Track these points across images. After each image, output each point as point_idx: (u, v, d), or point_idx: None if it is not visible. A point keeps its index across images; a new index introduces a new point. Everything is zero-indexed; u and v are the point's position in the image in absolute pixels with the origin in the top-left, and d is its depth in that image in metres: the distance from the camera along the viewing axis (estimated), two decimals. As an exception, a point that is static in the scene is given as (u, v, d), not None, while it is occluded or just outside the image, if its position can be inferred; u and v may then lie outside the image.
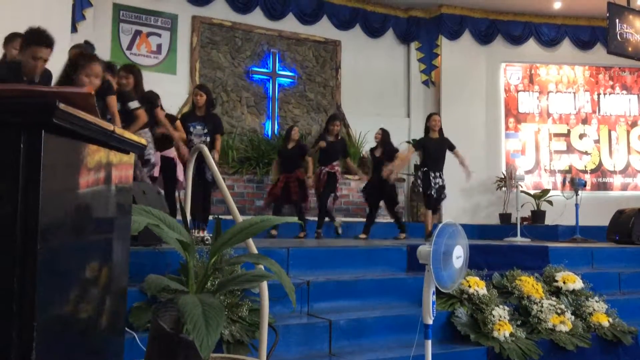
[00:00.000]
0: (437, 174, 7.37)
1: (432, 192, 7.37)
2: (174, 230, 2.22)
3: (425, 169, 7.39)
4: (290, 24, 9.79)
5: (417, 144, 7.76)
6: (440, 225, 3.71)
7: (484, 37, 10.58)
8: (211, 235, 4.92)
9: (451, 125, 10.05)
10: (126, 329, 3.08)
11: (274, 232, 7.27)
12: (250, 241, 3.21)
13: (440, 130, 7.54)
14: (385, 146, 7.70)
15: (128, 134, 1.39)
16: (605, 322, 4.73)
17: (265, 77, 9.67)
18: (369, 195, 7.83)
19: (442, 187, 7.41)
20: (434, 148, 7.43)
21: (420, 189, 7.44)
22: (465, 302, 4.58)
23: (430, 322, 3.59)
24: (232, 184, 8.23)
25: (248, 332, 3.60)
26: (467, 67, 10.46)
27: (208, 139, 6.18)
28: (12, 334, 1.04)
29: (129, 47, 8.70)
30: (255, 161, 8.76)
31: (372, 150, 7.97)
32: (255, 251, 3.20)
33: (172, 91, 8.72)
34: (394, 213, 7.82)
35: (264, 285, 3.10)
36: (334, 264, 4.99)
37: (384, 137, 7.76)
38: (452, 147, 7.51)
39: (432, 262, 3.51)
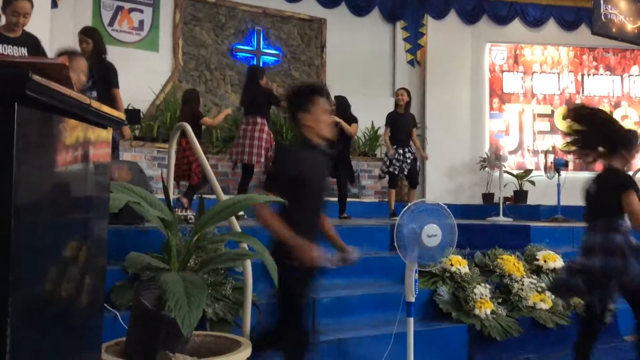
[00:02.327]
0: (406, 149, 7.37)
1: (405, 171, 7.37)
2: (156, 208, 2.20)
3: (394, 146, 7.37)
4: (274, 1, 9.67)
5: (386, 120, 7.68)
6: (409, 205, 3.74)
7: (470, 16, 10.54)
8: (194, 214, 4.91)
9: (436, 105, 10.09)
10: (108, 307, 3.07)
11: None
12: (234, 219, 3.20)
13: (407, 106, 7.52)
14: (345, 113, 7.20)
15: (106, 108, 1.36)
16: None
17: (249, 55, 9.57)
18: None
19: (414, 161, 7.43)
20: (400, 123, 7.41)
21: (391, 169, 7.36)
22: (448, 281, 4.63)
23: (413, 300, 3.63)
24: (216, 163, 8.17)
25: (232, 310, 3.61)
26: (453, 47, 10.43)
27: (95, 93, 5.00)
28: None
29: (111, 23, 8.55)
30: (239, 140, 8.69)
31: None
32: (239, 230, 3.19)
33: (155, 69, 8.62)
34: (345, 189, 7.26)
35: (248, 263, 3.10)
36: (318, 242, 5.00)
37: (341, 106, 7.23)
38: (414, 125, 7.48)
39: (397, 241, 3.55)
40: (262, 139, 6.45)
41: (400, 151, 7.31)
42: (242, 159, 6.50)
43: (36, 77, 1.01)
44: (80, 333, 1.42)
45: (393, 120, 7.53)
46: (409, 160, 7.33)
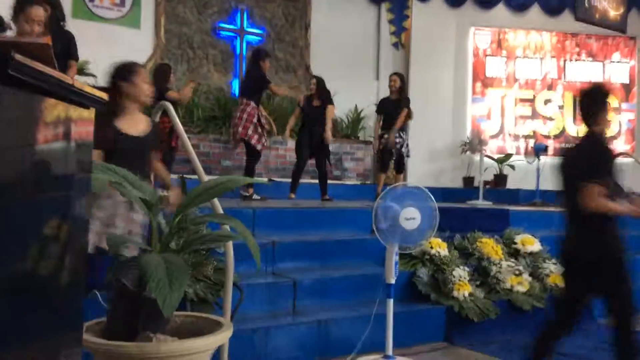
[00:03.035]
0: (399, 134, 7.38)
1: (394, 155, 7.40)
2: (138, 189, 2.19)
3: (383, 132, 7.40)
4: (259, -20, 9.58)
5: (377, 107, 7.69)
6: (387, 189, 3.78)
7: (455, 0, 10.54)
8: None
9: (419, 88, 10.08)
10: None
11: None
12: (216, 201, 3.19)
13: (400, 91, 7.49)
14: (322, 94, 7.17)
15: (88, 88, 1.35)
16: (561, 283, 4.88)
17: (232, 35, 9.48)
18: (301, 148, 7.12)
19: (403, 145, 7.44)
20: (392, 108, 7.39)
21: (383, 154, 7.40)
22: (427, 263, 4.68)
23: (393, 282, 3.68)
24: (198, 143, 8.12)
25: (213, 291, 3.63)
26: (437, 30, 10.43)
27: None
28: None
29: (91, -1, 8.40)
30: (221, 121, 8.65)
31: (308, 99, 7.24)
32: (221, 211, 3.19)
33: (136, 47, 8.48)
34: (324, 170, 7.20)
35: (229, 244, 3.10)
36: (300, 224, 5.03)
37: (320, 85, 7.19)
38: (405, 106, 7.41)
39: (375, 223, 3.60)
40: (242, 118, 6.59)
41: (386, 136, 7.32)
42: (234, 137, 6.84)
43: (18, 57, 0.99)
44: (61, 313, 1.42)
45: (382, 106, 7.53)
46: (398, 145, 7.34)
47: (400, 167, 7.67)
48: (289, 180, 7.24)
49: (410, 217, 3.59)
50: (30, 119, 1.16)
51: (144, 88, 3.40)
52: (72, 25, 7.85)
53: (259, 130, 6.65)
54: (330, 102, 7.21)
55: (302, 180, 7.30)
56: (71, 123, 1.34)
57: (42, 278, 1.27)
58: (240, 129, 6.59)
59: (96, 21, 8.31)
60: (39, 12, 3.79)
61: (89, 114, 1.43)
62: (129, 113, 3.37)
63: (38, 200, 1.25)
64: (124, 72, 3.34)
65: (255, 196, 6.65)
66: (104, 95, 1.42)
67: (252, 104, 6.64)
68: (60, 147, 1.32)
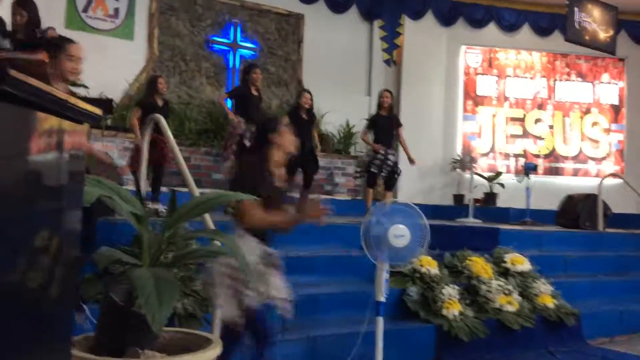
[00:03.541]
0: (388, 151, 7.38)
1: (384, 172, 7.39)
2: (128, 203, 2.17)
3: (386, 149, 7.40)
4: (252, -6, 9.62)
5: (369, 123, 7.68)
6: (376, 206, 3.77)
7: (446, 19, 10.64)
8: (165, 207, 4.86)
9: (410, 105, 10.15)
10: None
11: None
12: (207, 215, 3.18)
13: (391, 108, 7.51)
14: (311, 110, 7.23)
15: (82, 104, 1.34)
16: (550, 303, 4.89)
17: (225, 48, 9.50)
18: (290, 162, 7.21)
19: (395, 164, 7.43)
20: (382, 125, 7.39)
21: (372, 169, 7.38)
22: (417, 281, 4.67)
23: (383, 299, 3.65)
24: (189, 156, 8.09)
25: (201, 306, 3.59)
26: (429, 48, 10.51)
27: None
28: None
29: (85, 10, 8.39)
30: (213, 133, 8.63)
31: (295, 113, 7.13)
32: (212, 226, 3.18)
33: (129, 58, 8.50)
34: (310, 184, 7.16)
35: (219, 259, 3.08)
36: (290, 240, 4.98)
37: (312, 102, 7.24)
38: (399, 124, 7.47)
39: (363, 241, 3.59)
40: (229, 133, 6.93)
41: (382, 152, 7.31)
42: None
43: (14, 73, 0.99)
44: (51, 326, 1.40)
45: (374, 122, 7.53)
46: (389, 162, 7.33)
47: (391, 185, 7.66)
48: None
49: (400, 234, 3.57)
50: (24, 133, 1.15)
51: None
52: (65, 35, 7.90)
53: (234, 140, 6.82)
54: (315, 116, 7.35)
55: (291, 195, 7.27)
56: (64, 136, 1.33)
57: (32, 290, 1.26)
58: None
59: (89, 32, 8.29)
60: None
61: (83, 127, 1.43)
62: None
63: (30, 211, 1.23)
64: None
65: None
66: (98, 111, 1.42)
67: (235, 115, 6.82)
68: (53, 160, 1.31)
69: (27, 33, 4.61)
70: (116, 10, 8.65)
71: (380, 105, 7.48)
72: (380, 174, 7.43)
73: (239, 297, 2.75)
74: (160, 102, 6.51)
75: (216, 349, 2.29)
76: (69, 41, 3.42)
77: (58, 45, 3.33)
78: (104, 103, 5.93)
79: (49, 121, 1.23)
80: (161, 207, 5.12)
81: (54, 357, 1.45)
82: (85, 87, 6.89)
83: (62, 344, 1.51)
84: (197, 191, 3.67)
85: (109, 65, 7.85)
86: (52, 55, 3.24)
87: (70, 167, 1.39)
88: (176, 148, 3.95)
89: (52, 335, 1.45)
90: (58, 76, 3.27)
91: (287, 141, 3.21)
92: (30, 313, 1.29)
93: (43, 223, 1.32)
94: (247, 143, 6.63)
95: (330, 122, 9.67)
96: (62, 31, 8.00)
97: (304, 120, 7.10)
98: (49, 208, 1.35)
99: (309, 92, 7.31)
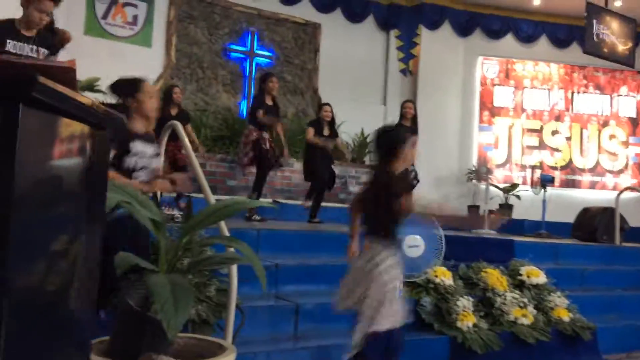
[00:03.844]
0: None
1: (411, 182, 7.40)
2: (147, 209, 2.19)
3: None
4: (270, 3, 9.67)
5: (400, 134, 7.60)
6: None
7: (463, 29, 10.63)
8: (181, 213, 4.88)
9: (426, 115, 10.07)
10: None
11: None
12: (222, 222, 3.18)
13: (414, 118, 7.50)
14: (333, 123, 7.22)
15: (105, 110, 1.35)
16: (565, 317, 4.83)
17: (242, 56, 9.55)
18: (318, 171, 6.98)
19: (416, 173, 7.44)
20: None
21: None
22: (431, 292, 4.63)
23: (397, 310, 3.63)
24: (205, 162, 8.13)
25: (214, 312, 3.59)
26: (445, 58, 10.50)
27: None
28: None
29: (104, 17, 8.49)
30: (229, 140, 8.68)
31: (317, 125, 7.12)
32: (227, 232, 3.18)
33: (147, 65, 8.56)
34: (322, 195, 7.09)
35: (234, 267, 3.09)
36: (303, 247, 5.00)
37: (333, 113, 7.22)
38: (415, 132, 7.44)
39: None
40: (242, 142, 6.81)
41: None
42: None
43: (42, 80, 1.00)
44: (73, 332, 1.41)
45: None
46: (412, 174, 7.34)
47: None
48: (294, 202, 7.22)
49: (414, 244, 3.56)
50: (50, 138, 1.17)
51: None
52: (84, 42, 8.00)
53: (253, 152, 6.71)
54: (336, 133, 7.27)
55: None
56: (89, 143, 1.34)
57: (56, 296, 1.27)
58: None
59: (108, 39, 8.40)
60: (51, 5, 3.79)
61: (105, 134, 1.45)
62: None
63: (55, 218, 1.25)
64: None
65: (255, 217, 6.62)
66: (121, 117, 1.43)
67: (252, 127, 6.71)
68: (77, 165, 1.33)
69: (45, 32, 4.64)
70: (135, 17, 8.75)
71: (403, 116, 7.47)
72: None
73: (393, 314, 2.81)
74: (174, 112, 6.58)
75: (229, 356, 2.30)
76: (141, 80, 3.50)
77: (134, 85, 3.40)
78: (121, 109, 5.98)
79: (75, 127, 1.25)
80: (177, 213, 5.15)
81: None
82: (103, 92, 6.95)
83: (83, 348, 1.52)
84: (213, 199, 3.69)
85: (127, 72, 7.78)
86: (129, 95, 3.35)
87: (95, 172, 1.40)
88: (192, 154, 3.96)
89: (74, 339, 1.46)
90: (143, 116, 3.40)
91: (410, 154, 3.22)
92: (55, 318, 1.30)
93: (68, 227, 1.33)
94: (267, 147, 6.71)
95: (346, 131, 9.68)
96: (81, 37, 8.13)
97: (325, 136, 7.10)
98: (73, 213, 1.37)
99: (329, 105, 7.29)
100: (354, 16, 10.30)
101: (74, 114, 1.20)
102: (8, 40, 3.96)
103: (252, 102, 6.91)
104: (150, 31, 8.85)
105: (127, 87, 3.37)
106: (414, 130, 7.44)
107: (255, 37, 9.63)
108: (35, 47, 4.10)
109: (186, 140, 4.10)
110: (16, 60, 1.10)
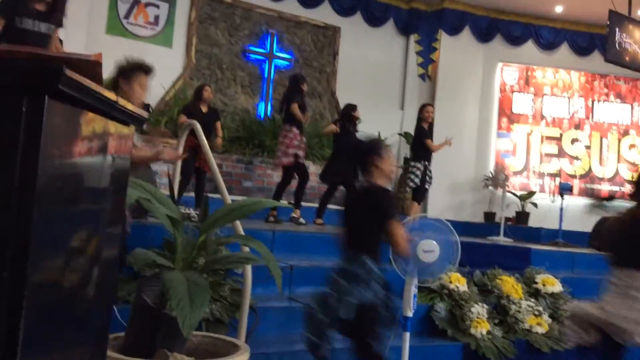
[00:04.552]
0: (426, 164, 7.44)
1: (427, 185, 7.43)
2: (165, 206, 2.20)
3: (425, 162, 7.42)
4: (290, 6, 9.69)
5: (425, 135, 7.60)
6: (407, 219, 3.74)
7: (484, 35, 10.57)
8: (197, 212, 4.91)
9: (444, 120, 10.06)
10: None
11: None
12: (238, 222, 3.20)
13: (432, 122, 7.56)
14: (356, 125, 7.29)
15: (130, 106, 1.37)
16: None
17: (261, 58, 9.59)
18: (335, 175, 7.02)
19: (430, 174, 7.49)
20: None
21: (417, 182, 7.37)
22: (446, 298, 4.61)
23: (410, 315, 3.61)
24: (221, 163, 8.17)
25: (228, 312, 3.61)
26: (465, 63, 10.45)
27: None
28: (1, 302, 1.03)
29: (126, 16, 8.58)
30: (245, 141, 8.71)
31: (345, 127, 7.18)
32: (242, 232, 3.19)
33: (167, 65, 8.62)
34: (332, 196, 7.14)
35: (248, 267, 3.10)
36: (318, 249, 5.01)
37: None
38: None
39: (391, 254, 3.55)
40: (283, 143, 6.80)
41: (420, 165, 7.34)
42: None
43: (69, 72, 1.01)
44: (90, 327, 1.42)
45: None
46: (428, 176, 7.38)
47: (420, 198, 7.64)
48: (310, 204, 7.23)
49: (429, 249, 3.53)
50: (73, 132, 1.18)
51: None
52: (105, 41, 8.08)
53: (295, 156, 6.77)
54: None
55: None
56: (111, 138, 1.36)
57: (75, 290, 1.28)
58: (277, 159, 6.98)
59: (129, 38, 8.47)
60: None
61: (129, 130, 1.46)
62: None
63: (77, 213, 1.26)
64: None
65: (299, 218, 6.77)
66: (144, 114, 1.44)
67: (289, 128, 6.79)
68: (100, 161, 1.34)
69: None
70: (156, 17, 8.82)
71: (423, 119, 7.47)
72: (424, 187, 7.43)
73: None
74: (204, 109, 6.65)
75: (243, 355, 2.30)
76: (145, 68, 3.52)
77: (133, 69, 3.44)
78: (142, 107, 6.05)
79: (98, 122, 1.26)
80: (193, 212, 5.17)
81: (91, 357, 1.47)
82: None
83: (100, 343, 1.53)
84: (229, 199, 3.70)
85: (147, 71, 7.98)
86: (126, 77, 3.39)
87: (116, 168, 1.41)
88: (210, 154, 3.98)
89: (91, 334, 1.47)
90: (127, 99, 3.35)
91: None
92: (71, 313, 1.31)
93: (88, 223, 1.34)
94: (303, 161, 6.92)
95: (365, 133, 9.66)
96: (103, 37, 8.21)
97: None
98: (94, 208, 1.38)
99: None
100: (374, 20, 10.30)
101: (98, 108, 1.21)
102: (24, 19, 3.99)
103: (289, 98, 6.89)
104: (171, 31, 8.92)
105: (128, 70, 3.42)
106: (431, 133, 7.47)
107: (275, 39, 9.66)
108: (52, 26, 4.13)
109: (204, 140, 4.13)
110: (42, 52, 1.11)
